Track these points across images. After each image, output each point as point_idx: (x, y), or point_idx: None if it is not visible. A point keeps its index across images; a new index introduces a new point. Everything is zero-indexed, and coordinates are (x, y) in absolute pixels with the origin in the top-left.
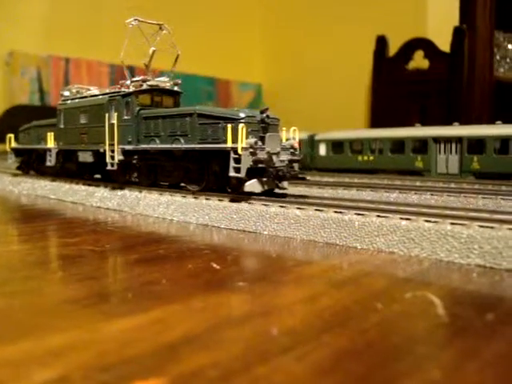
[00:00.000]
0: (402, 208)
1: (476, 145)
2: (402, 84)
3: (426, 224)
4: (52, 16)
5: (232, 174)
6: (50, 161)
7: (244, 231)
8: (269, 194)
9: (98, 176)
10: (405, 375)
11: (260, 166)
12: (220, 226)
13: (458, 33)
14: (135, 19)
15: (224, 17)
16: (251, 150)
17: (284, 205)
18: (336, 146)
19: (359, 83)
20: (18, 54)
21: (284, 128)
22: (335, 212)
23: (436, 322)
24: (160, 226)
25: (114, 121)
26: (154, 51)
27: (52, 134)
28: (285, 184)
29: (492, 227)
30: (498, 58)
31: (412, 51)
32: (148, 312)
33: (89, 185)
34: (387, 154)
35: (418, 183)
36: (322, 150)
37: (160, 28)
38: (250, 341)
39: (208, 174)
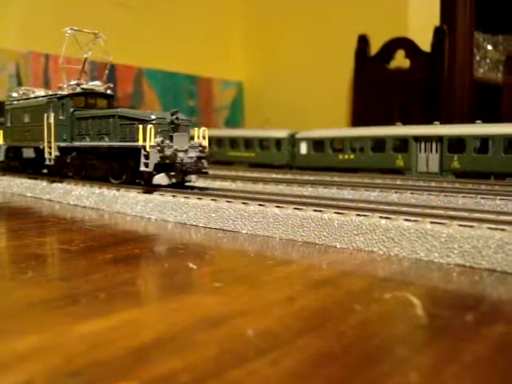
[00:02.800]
0: (381, 207)
1: (456, 144)
2: (383, 83)
3: (406, 223)
4: (32, 11)
5: (142, 168)
6: (0, 156)
7: (222, 230)
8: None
9: (44, 171)
10: (383, 378)
11: (167, 161)
12: (198, 224)
13: (438, 33)
14: (71, 28)
15: (205, 14)
16: (158, 148)
17: (263, 203)
18: (317, 144)
19: (341, 82)
20: None
21: (196, 128)
22: (314, 211)
23: (415, 323)
24: (137, 225)
25: (51, 120)
26: (86, 58)
27: (1, 131)
28: (192, 177)
29: (472, 226)
30: (477, 58)
31: (393, 51)
32: (120, 313)
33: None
34: (368, 152)
35: (398, 182)
36: (303, 148)
37: (96, 36)
38: (225, 343)
39: (127, 168)
